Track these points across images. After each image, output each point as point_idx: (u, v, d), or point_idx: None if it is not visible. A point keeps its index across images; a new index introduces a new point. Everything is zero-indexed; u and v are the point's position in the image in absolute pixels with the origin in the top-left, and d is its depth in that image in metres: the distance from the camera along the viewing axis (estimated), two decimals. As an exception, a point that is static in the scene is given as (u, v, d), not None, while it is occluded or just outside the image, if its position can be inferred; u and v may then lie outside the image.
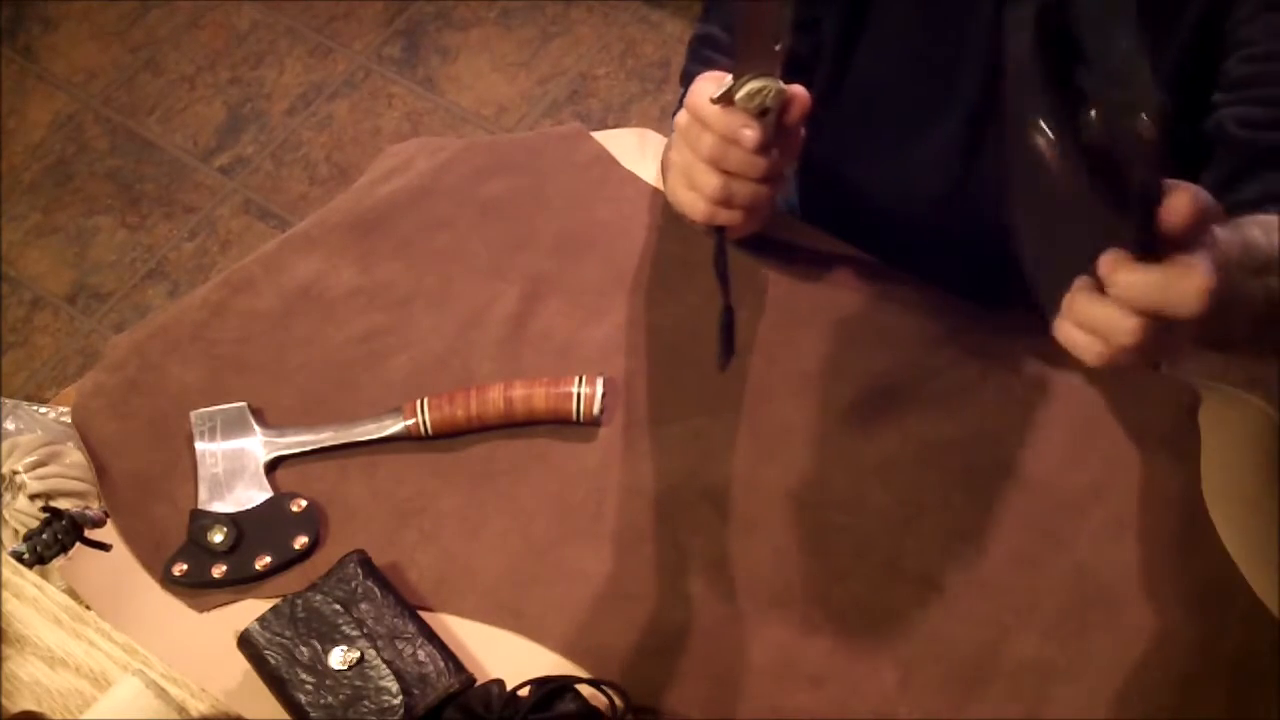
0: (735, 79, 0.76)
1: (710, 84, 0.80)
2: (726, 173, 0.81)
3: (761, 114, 0.78)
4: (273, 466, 1.01)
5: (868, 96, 1.00)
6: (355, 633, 0.89)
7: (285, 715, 0.88)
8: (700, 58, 1.06)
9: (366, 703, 0.86)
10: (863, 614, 0.91)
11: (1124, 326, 0.66)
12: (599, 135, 1.18)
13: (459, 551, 0.96)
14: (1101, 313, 0.67)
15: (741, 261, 1.06)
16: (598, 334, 1.05)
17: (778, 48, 0.73)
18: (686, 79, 1.08)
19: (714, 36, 1.06)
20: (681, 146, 0.83)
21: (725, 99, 0.77)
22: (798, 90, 0.78)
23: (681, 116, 0.83)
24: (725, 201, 0.82)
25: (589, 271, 1.09)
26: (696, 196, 0.83)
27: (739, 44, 0.75)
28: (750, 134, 0.78)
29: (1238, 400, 0.99)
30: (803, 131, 0.81)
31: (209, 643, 0.93)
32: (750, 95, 0.77)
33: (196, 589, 0.96)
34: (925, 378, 1.01)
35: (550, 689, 0.85)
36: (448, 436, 1.01)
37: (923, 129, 0.98)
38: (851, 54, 0.97)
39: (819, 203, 1.03)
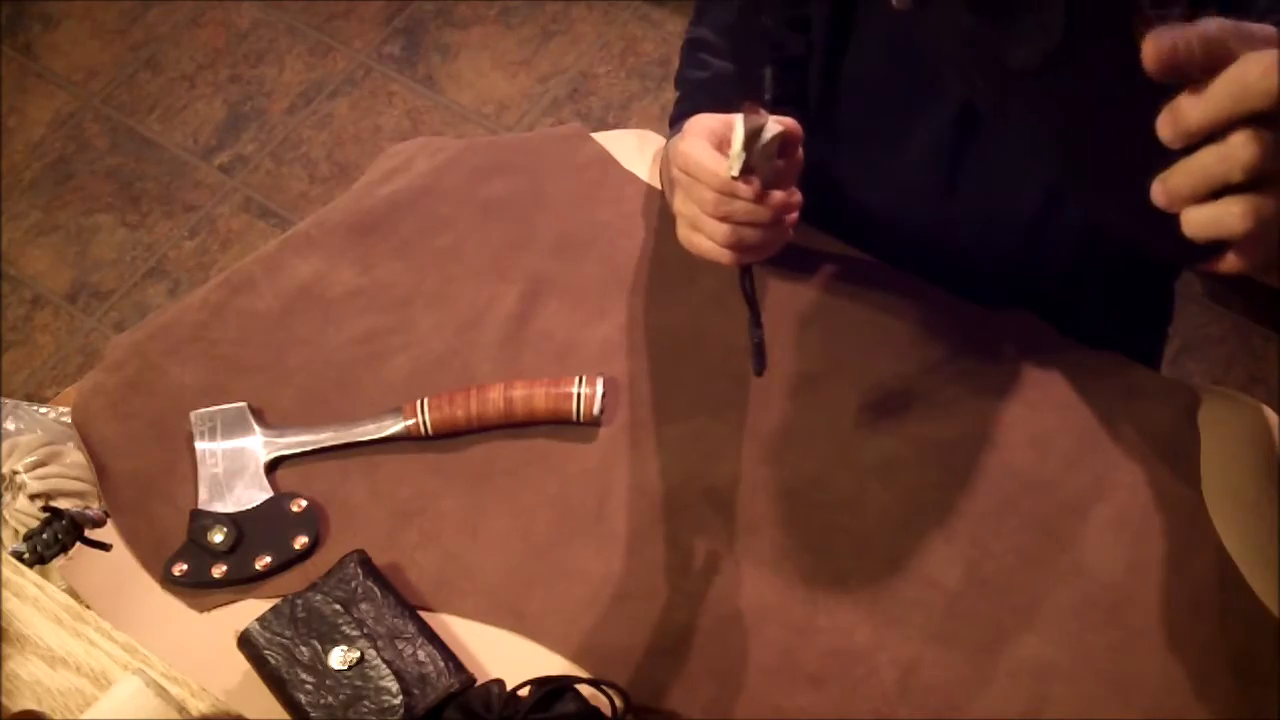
0: (745, 147, 0.76)
1: (701, 140, 0.80)
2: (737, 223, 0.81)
3: (765, 159, 0.78)
4: (273, 466, 1.01)
5: (859, 92, 1.00)
6: (355, 633, 0.89)
7: (285, 715, 0.88)
8: (695, 61, 1.07)
9: (366, 703, 0.86)
10: (863, 614, 0.91)
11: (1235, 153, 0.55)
12: (599, 136, 1.18)
13: (459, 551, 0.96)
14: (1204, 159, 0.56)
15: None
16: (598, 334, 1.05)
17: (767, 97, 0.73)
18: (682, 84, 1.08)
19: (707, 40, 1.06)
20: (685, 199, 0.83)
21: (744, 170, 0.77)
22: (790, 124, 0.78)
23: (680, 162, 0.82)
24: (739, 246, 0.82)
25: (589, 271, 1.09)
26: (712, 245, 0.83)
27: (740, 118, 0.75)
28: (750, 190, 0.78)
29: (1238, 401, 0.99)
30: (801, 154, 0.81)
31: (209, 643, 0.93)
32: (756, 153, 0.77)
33: (196, 589, 0.96)
34: (926, 378, 1.01)
35: (550, 689, 0.85)
36: (448, 436, 1.01)
37: (913, 123, 0.98)
38: (842, 50, 0.97)
39: (812, 202, 1.03)
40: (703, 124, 0.82)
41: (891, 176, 1.02)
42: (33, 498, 0.98)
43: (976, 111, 0.93)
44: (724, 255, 0.83)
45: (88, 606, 0.89)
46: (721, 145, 0.80)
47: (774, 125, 0.76)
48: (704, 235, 0.83)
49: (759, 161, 0.77)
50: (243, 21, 2.42)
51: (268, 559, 0.96)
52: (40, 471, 1.00)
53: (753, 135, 0.76)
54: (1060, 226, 0.98)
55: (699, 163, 0.80)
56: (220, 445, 1.01)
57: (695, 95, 1.07)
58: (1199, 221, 0.57)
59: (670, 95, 1.98)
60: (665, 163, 1.07)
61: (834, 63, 0.98)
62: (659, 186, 1.13)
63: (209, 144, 2.28)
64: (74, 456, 1.03)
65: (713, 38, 1.05)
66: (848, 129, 1.03)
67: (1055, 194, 0.97)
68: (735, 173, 0.77)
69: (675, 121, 1.08)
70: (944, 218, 1.02)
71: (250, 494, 0.99)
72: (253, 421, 1.02)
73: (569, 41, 2.30)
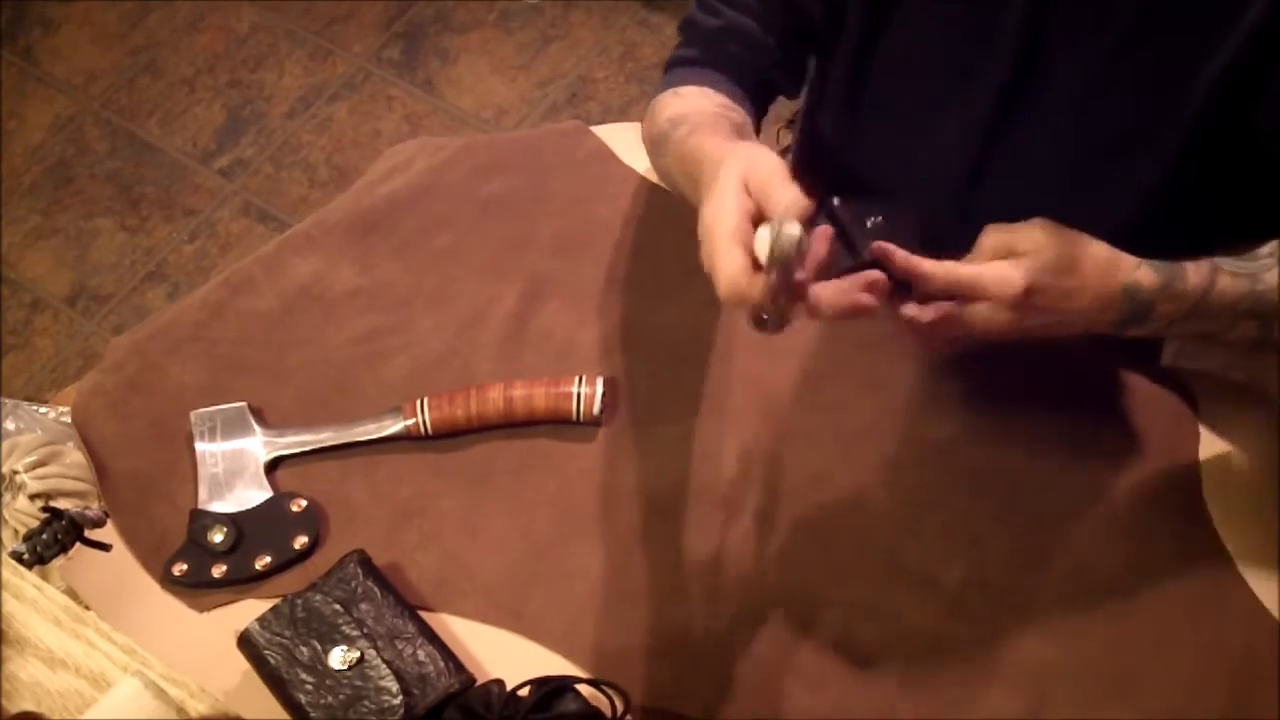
0: (774, 265, 0.73)
1: (729, 252, 0.75)
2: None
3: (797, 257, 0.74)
4: (273, 466, 1.01)
5: (895, 69, 0.98)
6: (355, 633, 0.89)
7: (285, 715, 0.88)
8: (707, 7, 1.03)
9: (366, 703, 0.86)
10: (863, 614, 0.91)
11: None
12: (598, 129, 1.18)
13: (459, 551, 0.96)
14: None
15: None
16: (598, 334, 1.05)
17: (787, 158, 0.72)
18: (688, 26, 1.05)
19: None
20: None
21: (776, 265, 0.73)
22: (822, 231, 0.77)
23: (716, 286, 0.77)
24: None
25: (589, 271, 1.09)
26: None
27: (766, 244, 0.73)
28: (786, 300, 0.75)
29: (1238, 400, 0.99)
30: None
31: (209, 643, 0.93)
32: (784, 251, 0.73)
33: (196, 589, 0.96)
34: (927, 377, 1.01)
35: (550, 689, 0.85)
36: (448, 436, 1.01)
37: (948, 105, 0.96)
38: (882, 23, 0.95)
39: (828, 179, 1.00)
40: (725, 224, 0.76)
41: (916, 160, 0.99)
42: (33, 498, 0.99)
43: (1017, 99, 0.92)
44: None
45: (87, 607, 0.89)
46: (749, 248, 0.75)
47: (795, 232, 0.72)
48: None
49: (792, 264, 0.73)
50: (242, 26, 2.42)
51: (268, 559, 0.96)
52: (40, 471, 1.00)
53: (783, 257, 0.72)
54: (1075, 227, 0.97)
55: (734, 285, 0.75)
56: (220, 445, 1.01)
57: (698, 41, 1.04)
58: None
59: (669, 99, 1.96)
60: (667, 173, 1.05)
61: (871, 35, 0.96)
62: (659, 182, 1.13)
63: (208, 148, 2.28)
64: (74, 456, 1.03)
65: None
66: (876, 106, 1.00)
67: (1074, 197, 0.96)
68: (770, 290, 0.73)
69: (672, 66, 1.05)
70: (963, 208, 1.00)
71: (250, 494, 0.99)
72: (252, 421, 1.02)
73: (568, 46, 2.31)
